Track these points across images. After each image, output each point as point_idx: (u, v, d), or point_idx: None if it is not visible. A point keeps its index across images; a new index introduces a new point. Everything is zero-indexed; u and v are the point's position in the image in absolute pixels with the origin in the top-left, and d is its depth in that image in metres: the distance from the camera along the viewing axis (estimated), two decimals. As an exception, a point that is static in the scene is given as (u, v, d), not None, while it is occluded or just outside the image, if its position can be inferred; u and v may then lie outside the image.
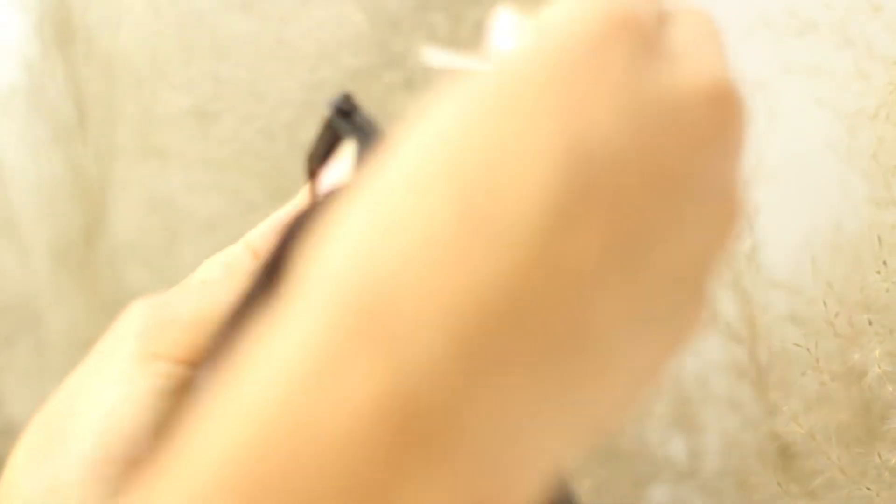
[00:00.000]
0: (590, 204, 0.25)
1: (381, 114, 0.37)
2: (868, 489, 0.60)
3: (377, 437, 0.23)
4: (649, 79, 0.26)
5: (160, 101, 0.80)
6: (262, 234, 0.37)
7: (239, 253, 0.36)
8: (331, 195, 0.34)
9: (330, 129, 0.37)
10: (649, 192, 0.26)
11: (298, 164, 0.39)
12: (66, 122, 0.83)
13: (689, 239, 0.27)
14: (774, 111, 0.67)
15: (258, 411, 0.23)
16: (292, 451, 0.23)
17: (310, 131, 0.38)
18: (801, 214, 0.71)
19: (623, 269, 0.25)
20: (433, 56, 0.31)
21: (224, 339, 0.32)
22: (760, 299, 0.71)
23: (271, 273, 0.32)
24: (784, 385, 0.69)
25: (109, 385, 0.32)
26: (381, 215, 0.25)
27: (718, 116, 0.27)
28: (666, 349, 0.27)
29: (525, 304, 0.24)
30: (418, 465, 0.23)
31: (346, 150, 0.36)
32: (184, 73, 0.79)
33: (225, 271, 0.36)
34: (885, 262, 0.61)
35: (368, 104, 0.37)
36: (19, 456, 0.33)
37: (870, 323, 0.61)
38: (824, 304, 0.63)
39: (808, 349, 0.62)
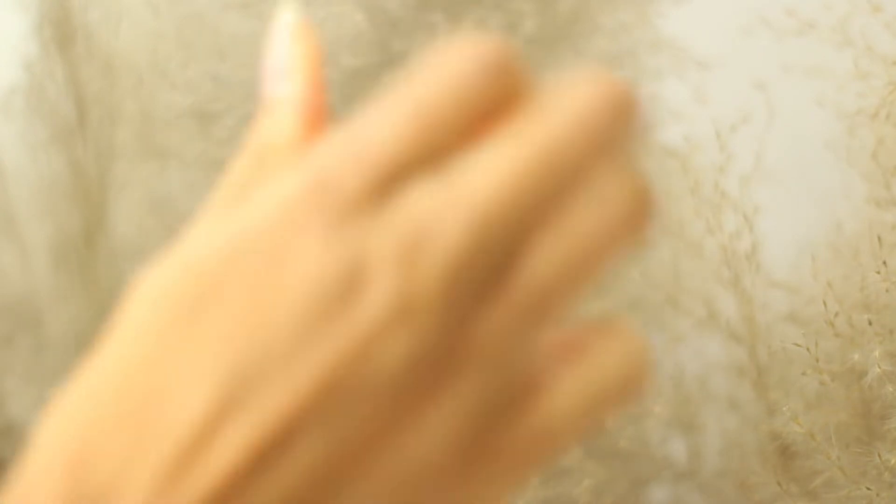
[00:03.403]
0: None
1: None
2: (868, 489, 0.60)
3: None
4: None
5: (160, 101, 0.80)
6: None
7: None
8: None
9: None
10: None
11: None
12: (66, 122, 0.83)
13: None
14: (774, 111, 0.67)
15: None
16: None
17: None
18: (801, 214, 0.71)
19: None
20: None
21: None
22: (760, 299, 0.71)
23: None
24: (784, 385, 0.69)
25: None
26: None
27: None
28: None
29: None
30: None
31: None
32: (184, 73, 0.79)
33: None
34: (885, 262, 0.61)
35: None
36: None
37: (870, 323, 0.61)
38: (824, 303, 0.63)
39: (807, 349, 0.62)
